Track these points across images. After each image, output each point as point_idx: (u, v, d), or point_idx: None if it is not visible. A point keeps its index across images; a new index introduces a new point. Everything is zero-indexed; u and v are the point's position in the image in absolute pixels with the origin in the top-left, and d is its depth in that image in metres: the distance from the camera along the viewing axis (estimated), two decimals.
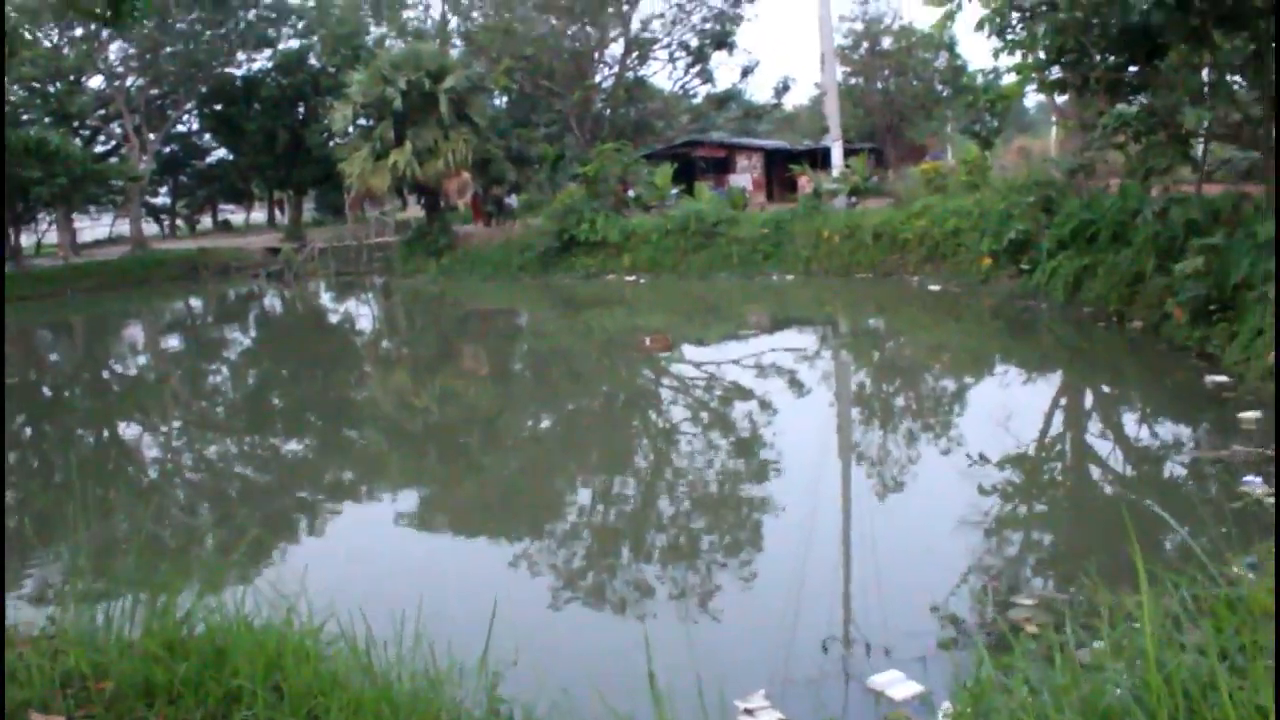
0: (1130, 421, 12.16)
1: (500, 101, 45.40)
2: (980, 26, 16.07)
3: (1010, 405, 12.67)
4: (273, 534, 9.42)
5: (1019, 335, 17.83)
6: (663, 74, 47.13)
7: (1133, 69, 16.02)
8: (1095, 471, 10.40)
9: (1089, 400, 13.75)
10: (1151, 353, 14.25)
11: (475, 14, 46.05)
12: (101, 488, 11.22)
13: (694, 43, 42.51)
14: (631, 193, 33.93)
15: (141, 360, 24.24)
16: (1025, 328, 18.04)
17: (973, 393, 14.30)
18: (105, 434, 15.54)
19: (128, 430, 15.78)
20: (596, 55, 42.68)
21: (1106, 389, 14.11)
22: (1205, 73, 16.06)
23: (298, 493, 11.33)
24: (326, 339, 25.71)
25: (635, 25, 41.75)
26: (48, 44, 42.93)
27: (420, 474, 11.95)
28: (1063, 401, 13.63)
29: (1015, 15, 15.49)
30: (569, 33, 40.91)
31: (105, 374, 21.95)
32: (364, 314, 31.11)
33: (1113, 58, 15.75)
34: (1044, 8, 14.72)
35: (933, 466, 10.55)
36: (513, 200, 39.33)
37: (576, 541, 8.96)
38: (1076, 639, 5.63)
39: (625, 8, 40.86)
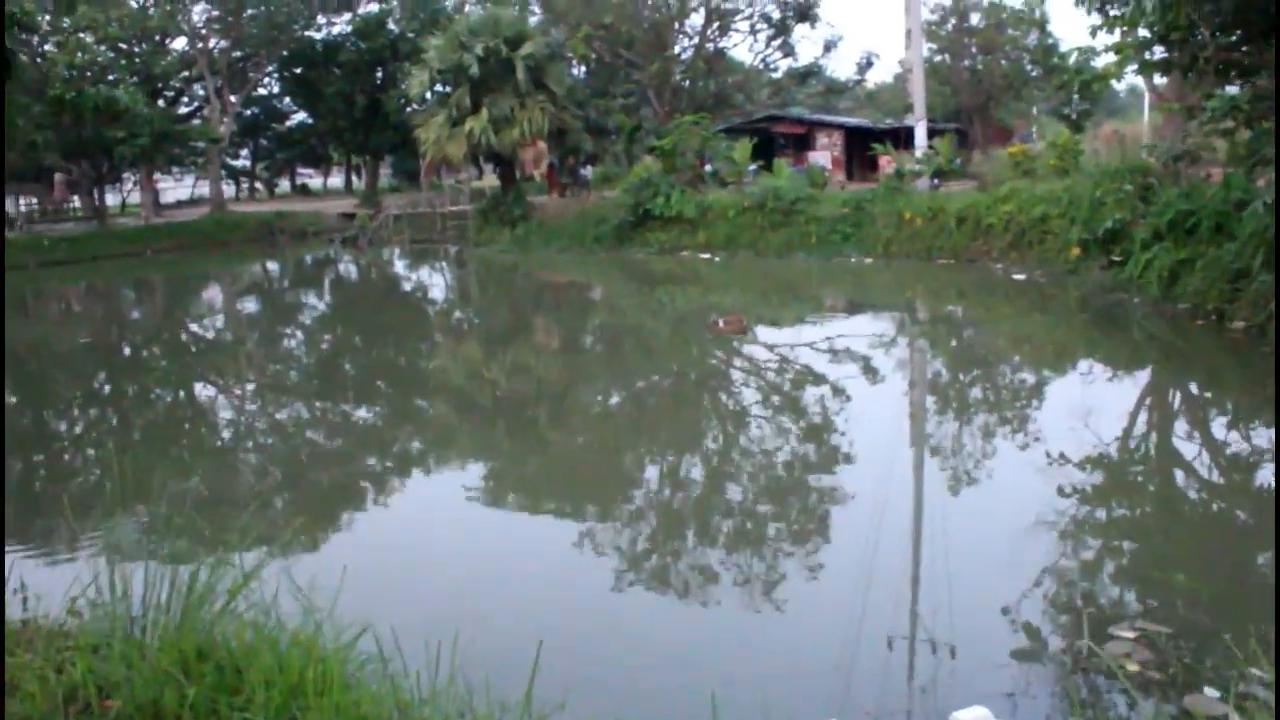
0: (1227, 429, 11.45)
1: (578, 70, 45.00)
2: (1080, 2, 15.29)
3: (1095, 403, 12.13)
4: (323, 515, 9.34)
5: (1108, 330, 17.02)
6: (743, 46, 46.57)
7: (1244, 49, 15.14)
8: (1186, 480, 9.86)
9: (1182, 403, 13.05)
10: (1255, 356, 13.43)
11: None
12: (155, 455, 11.50)
13: (776, 15, 41.70)
14: (709, 167, 33.39)
15: (215, 323, 24.60)
16: (1115, 322, 17.20)
17: (1055, 388, 13.70)
18: (171, 397, 15.68)
19: (195, 394, 15.93)
20: (676, 25, 42.07)
21: (1202, 392, 13.39)
22: None
23: (360, 464, 11.31)
24: (398, 307, 25.79)
25: None
26: (134, 4, 43.42)
27: (485, 449, 11.92)
28: (1153, 402, 12.99)
29: None
30: (649, 2, 40.34)
31: (172, 336, 22.10)
32: (437, 283, 31.08)
33: (1223, 36, 14.89)
34: None
35: (1009, 462, 10.20)
36: (588, 171, 39.00)
37: (638, 529, 8.78)
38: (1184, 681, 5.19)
39: None
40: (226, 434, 13.12)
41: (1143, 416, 12.11)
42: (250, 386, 16.38)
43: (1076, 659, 5.78)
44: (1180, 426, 11.98)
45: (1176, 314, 16.28)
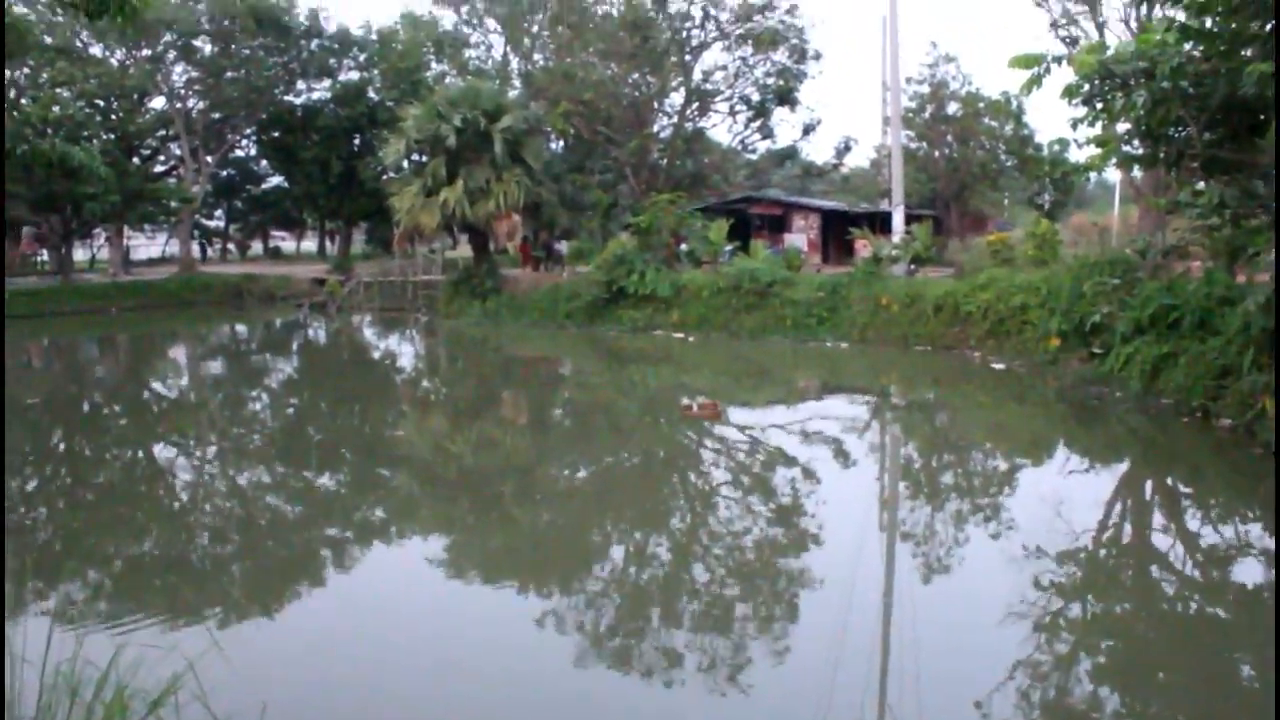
0: (1213, 529, 11.03)
1: (556, 145, 45.04)
2: (1067, 94, 15.15)
3: (1073, 495, 11.90)
4: (276, 586, 9.16)
5: (1088, 422, 16.64)
6: (722, 127, 46.64)
7: (1228, 146, 15.01)
8: (1166, 576, 9.59)
9: (1164, 498, 12.70)
10: (1242, 455, 13.08)
11: (537, 56, 45.96)
12: (104, 517, 11.32)
13: (755, 97, 41.88)
14: (684, 246, 33.16)
15: (176, 383, 24.07)
16: (1095, 415, 16.84)
17: (1031, 478, 13.42)
18: (126, 457, 15.36)
19: (151, 454, 15.57)
20: (656, 104, 42.23)
21: (1185, 488, 13.02)
22: None
23: (318, 533, 10.99)
24: (365, 375, 25.34)
25: (697, 76, 41.28)
26: (114, 63, 43.26)
27: (448, 523, 11.69)
28: (1132, 496, 12.73)
29: (1107, 84, 14.52)
30: (630, 80, 40.48)
31: (132, 394, 21.49)
32: (405, 352, 30.57)
33: (1208, 133, 14.77)
34: (1141, 77, 13.75)
35: (982, 551, 10.01)
36: (562, 246, 38.76)
37: (603, 608, 8.59)
38: None
39: (688, 58, 40.41)
40: (183, 496, 12.77)
41: (1122, 510, 11.89)
42: (210, 449, 16.03)
43: None
44: (1160, 521, 11.73)
45: (1159, 409, 15.96)
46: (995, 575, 9.08)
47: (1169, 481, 13.46)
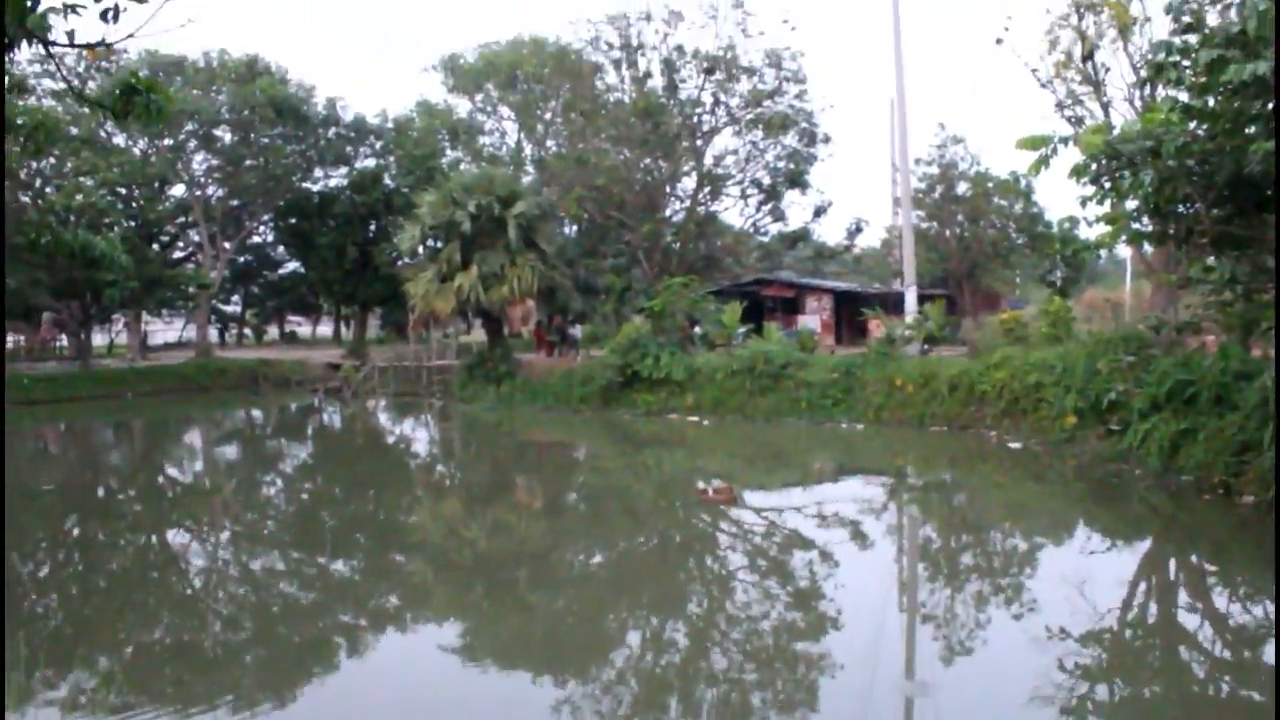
0: (1242, 608, 10.86)
1: (569, 230, 45.50)
2: (1075, 174, 15.29)
3: (1095, 575, 11.72)
4: (290, 674, 9.05)
5: (1107, 501, 16.48)
6: (734, 210, 47.11)
7: (1237, 222, 15.08)
8: (1192, 657, 9.41)
9: (1187, 578, 12.51)
10: (1266, 532, 12.87)
11: (550, 142, 46.66)
12: (118, 604, 11.22)
13: (767, 180, 42.39)
14: (698, 330, 33.29)
15: (191, 469, 24.14)
16: (1114, 493, 16.69)
17: (1052, 557, 13.27)
18: (140, 543, 15.25)
19: (166, 540, 15.50)
20: (668, 189, 42.71)
21: (1209, 567, 12.82)
22: None
23: (332, 620, 10.91)
24: (380, 460, 25.29)
25: (708, 160, 41.83)
26: (136, 152, 44.10)
27: (462, 608, 11.56)
28: (1156, 576, 12.53)
29: (1114, 163, 14.65)
30: (642, 165, 41.03)
31: (147, 480, 21.50)
32: (420, 437, 30.57)
33: (1218, 210, 14.85)
34: (1147, 156, 13.87)
35: (1004, 633, 9.84)
36: (576, 330, 38.94)
37: (620, 695, 8.44)
38: None
39: (699, 143, 40.99)
40: (197, 582, 12.71)
41: (1146, 590, 11.74)
42: (224, 535, 16.01)
43: None
44: (1185, 600, 11.56)
45: (1180, 486, 15.80)
46: (1018, 657, 8.91)
47: (1193, 560, 13.26)
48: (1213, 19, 13.85)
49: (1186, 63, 13.48)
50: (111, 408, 35.69)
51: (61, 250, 33.07)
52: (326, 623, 10.73)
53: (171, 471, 23.60)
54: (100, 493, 20.52)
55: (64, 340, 47.53)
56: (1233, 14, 13.30)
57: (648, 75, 40.03)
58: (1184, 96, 13.97)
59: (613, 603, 11.44)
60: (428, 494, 20.09)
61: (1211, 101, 13.35)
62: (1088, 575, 11.56)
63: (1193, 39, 13.55)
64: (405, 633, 10.54)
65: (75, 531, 16.18)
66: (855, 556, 13.25)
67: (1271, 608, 10.48)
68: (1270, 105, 12.26)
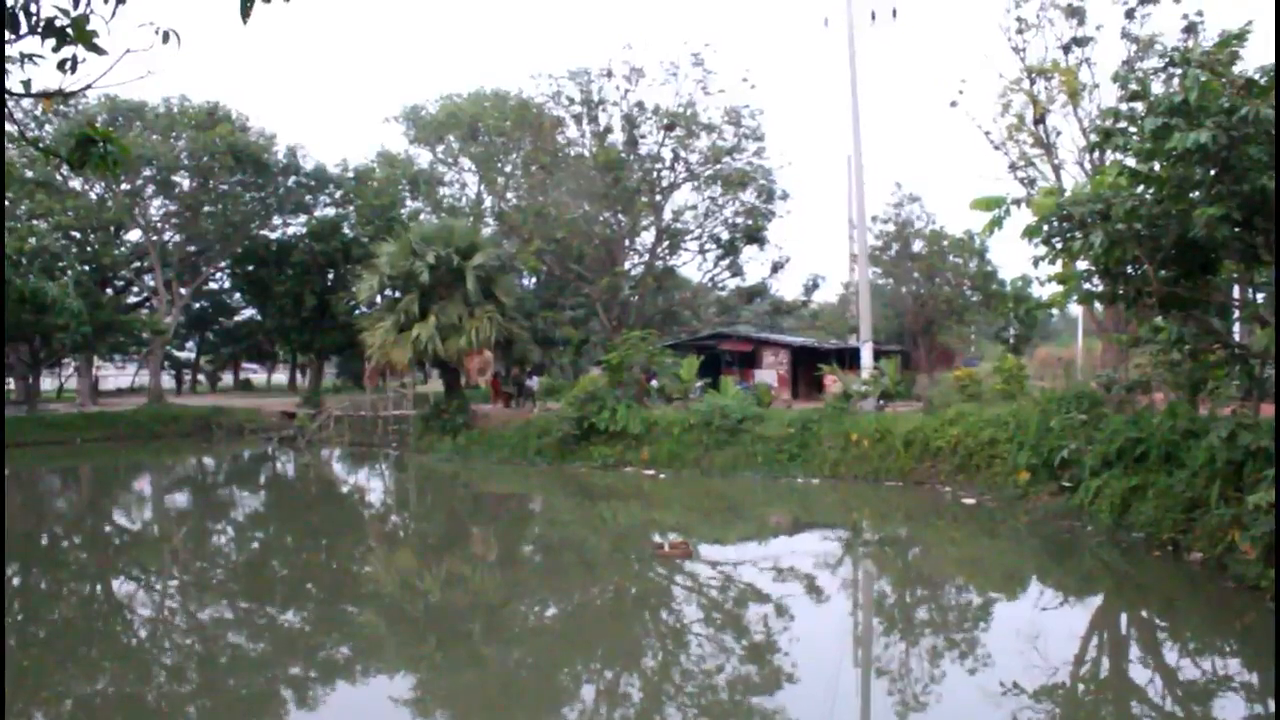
0: (1192, 663, 10.99)
1: (528, 282, 45.56)
2: (1028, 234, 15.56)
3: (1048, 630, 11.86)
4: None
5: (1060, 557, 16.64)
6: (692, 265, 47.39)
7: (1184, 283, 15.42)
8: (1150, 715, 9.48)
9: (1142, 635, 12.63)
10: (1215, 589, 13.06)
11: (510, 195, 46.79)
12: (52, 662, 10.87)
13: (725, 235, 42.75)
14: (655, 383, 33.33)
15: (138, 516, 23.72)
16: (1067, 549, 16.85)
17: (1006, 613, 13.35)
18: (84, 591, 14.96)
19: (108, 589, 15.26)
20: (627, 242, 42.94)
21: (1163, 623, 12.96)
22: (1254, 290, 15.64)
23: (280, 671, 10.79)
24: (333, 509, 25.03)
25: (667, 215, 42.17)
26: (92, 196, 43.74)
27: (414, 661, 11.43)
28: (1110, 633, 12.66)
29: (1065, 225, 14.95)
30: (601, 219, 41.26)
31: (84, 529, 21.09)
32: (374, 487, 30.25)
33: (1164, 272, 15.17)
34: (1097, 218, 14.18)
35: (959, 688, 9.88)
36: (534, 382, 38.90)
37: None
38: None
39: (658, 198, 41.33)
40: (142, 633, 12.60)
41: (1099, 645, 11.87)
42: (171, 583, 15.81)
43: None
44: (1137, 655, 11.70)
45: (1130, 543, 16.00)
46: (973, 713, 8.97)
47: (1144, 615, 13.42)
48: (1158, 88, 14.21)
49: (1133, 129, 13.84)
50: (59, 454, 35.09)
51: (11, 294, 32.66)
52: (275, 674, 10.58)
53: (118, 519, 23.22)
54: (44, 540, 20.08)
55: (11, 384, 46.79)
56: (1175, 84, 13.67)
57: (608, 130, 40.42)
58: (1131, 161, 14.31)
59: (567, 656, 11.36)
60: (381, 544, 19.88)
61: (1158, 167, 13.69)
62: (1041, 630, 11.67)
63: (1139, 106, 13.93)
64: (356, 684, 10.40)
65: (15, 580, 15.79)
66: (811, 611, 13.31)
67: (1220, 663, 10.62)
68: (1213, 172, 12.61)
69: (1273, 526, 11.82)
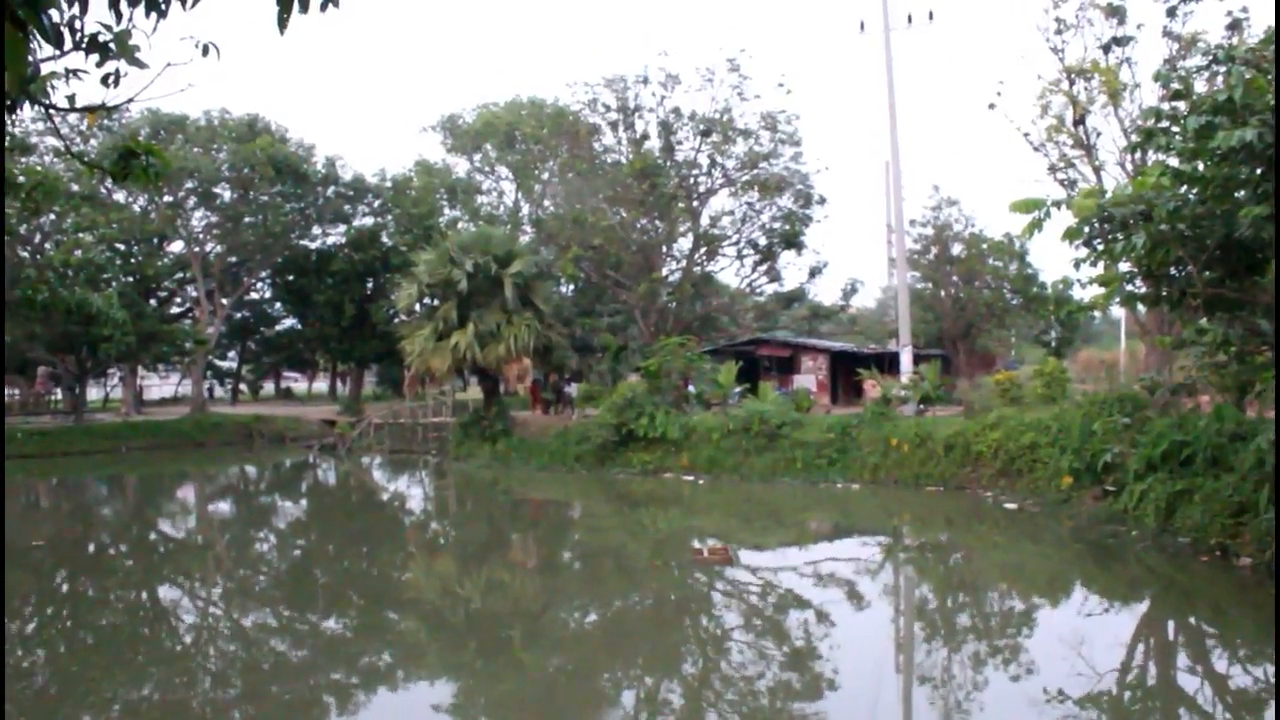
0: (1242, 670, 10.80)
1: (566, 289, 45.65)
2: (1069, 237, 15.40)
3: (1093, 636, 11.65)
4: None
5: (1104, 562, 16.42)
6: (730, 270, 47.31)
7: (1229, 284, 15.20)
8: None
9: (1190, 641, 12.42)
10: (1265, 595, 12.83)
11: (547, 202, 46.94)
12: (107, 662, 11.10)
13: (762, 241, 42.59)
14: (693, 389, 33.29)
15: (183, 525, 23.99)
16: (1111, 554, 16.62)
17: (1049, 619, 13.18)
18: (130, 599, 15.16)
19: (154, 596, 15.41)
20: (665, 249, 42.90)
21: (1211, 630, 12.75)
22: None
23: (324, 679, 10.82)
24: (374, 517, 25.22)
25: (705, 221, 42.06)
26: (136, 208, 44.38)
27: (455, 668, 11.47)
28: (1156, 639, 12.44)
29: (1107, 226, 14.78)
30: (638, 225, 41.26)
31: (139, 536, 21.39)
32: (414, 494, 30.42)
33: (1208, 273, 14.96)
34: (1139, 219, 14.01)
35: (1002, 695, 9.77)
36: (572, 389, 38.95)
37: None
38: None
39: (695, 204, 41.27)
40: (187, 639, 12.70)
41: (1145, 651, 11.70)
42: (214, 591, 15.97)
43: None
44: (1184, 663, 11.49)
45: (1176, 547, 15.76)
46: None
47: (1191, 621, 13.20)
48: (1200, 86, 14.04)
49: (1176, 129, 13.66)
50: (105, 462, 35.60)
51: (58, 306, 33.21)
52: (318, 681, 10.64)
53: (164, 527, 23.50)
54: (91, 548, 20.40)
55: (59, 394, 47.52)
56: (1219, 82, 13.49)
57: (645, 137, 40.41)
58: (1174, 161, 14.12)
59: (607, 662, 11.36)
60: (422, 551, 19.99)
61: (1201, 166, 13.49)
62: (1085, 637, 11.51)
63: (1181, 105, 13.75)
64: (397, 691, 10.46)
65: (64, 587, 16.07)
66: (852, 617, 13.22)
67: (1272, 671, 10.42)
68: (1259, 171, 12.42)
69: None
